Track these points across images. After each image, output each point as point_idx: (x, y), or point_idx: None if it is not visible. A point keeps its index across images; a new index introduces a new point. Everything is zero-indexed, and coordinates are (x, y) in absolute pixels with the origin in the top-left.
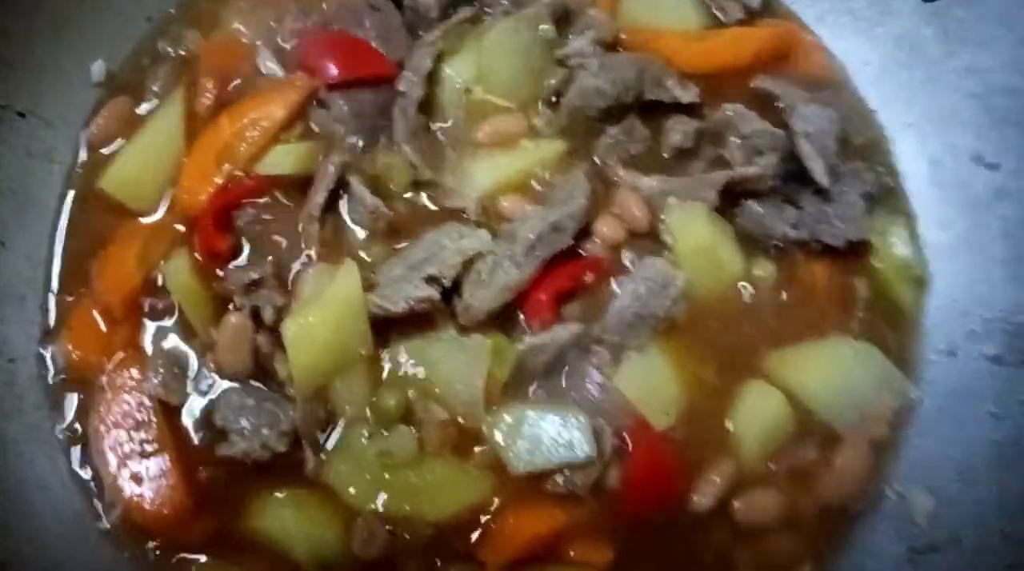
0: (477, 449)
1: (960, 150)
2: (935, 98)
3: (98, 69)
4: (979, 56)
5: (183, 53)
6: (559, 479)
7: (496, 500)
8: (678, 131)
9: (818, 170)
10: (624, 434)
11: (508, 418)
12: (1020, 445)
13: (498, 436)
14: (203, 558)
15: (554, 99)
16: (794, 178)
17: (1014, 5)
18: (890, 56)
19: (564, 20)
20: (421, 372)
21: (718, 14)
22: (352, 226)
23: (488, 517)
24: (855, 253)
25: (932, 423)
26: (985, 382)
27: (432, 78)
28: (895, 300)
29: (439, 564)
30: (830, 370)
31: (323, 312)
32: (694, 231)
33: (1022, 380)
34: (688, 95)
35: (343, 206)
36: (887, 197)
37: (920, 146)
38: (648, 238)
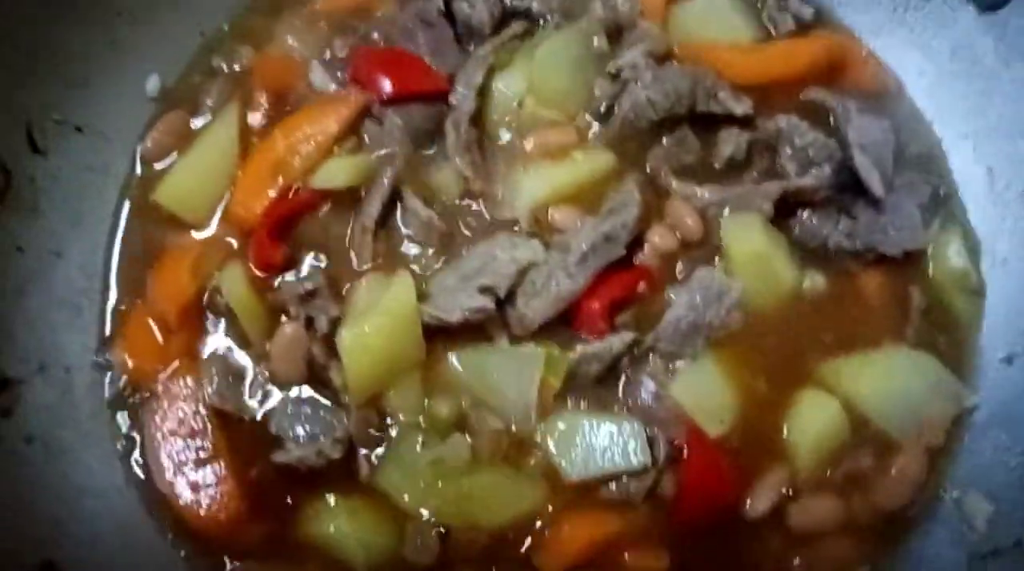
0: (531, 458)
1: (1017, 159)
2: (992, 108)
3: (153, 84)
4: None
5: (236, 68)
6: (613, 487)
7: (550, 508)
8: (730, 142)
9: (874, 182)
10: (678, 442)
11: (562, 426)
12: None
13: (551, 444)
14: (258, 564)
15: (605, 111)
16: (848, 188)
17: None
18: (946, 67)
19: (615, 33)
20: (475, 381)
21: (769, 26)
22: (405, 237)
23: (542, 524)
24: (910, 263)
25: (989, 429)
26: None
27: (484, 91)
28: (951, 310)
29: None
30: (886, 379)
31: (378, 322)
32: (749, 241)
33: None
34: (742, 107)
35: (397, 218)
36: (943, 207)
37: (977, 156)
38: (700, 248)
